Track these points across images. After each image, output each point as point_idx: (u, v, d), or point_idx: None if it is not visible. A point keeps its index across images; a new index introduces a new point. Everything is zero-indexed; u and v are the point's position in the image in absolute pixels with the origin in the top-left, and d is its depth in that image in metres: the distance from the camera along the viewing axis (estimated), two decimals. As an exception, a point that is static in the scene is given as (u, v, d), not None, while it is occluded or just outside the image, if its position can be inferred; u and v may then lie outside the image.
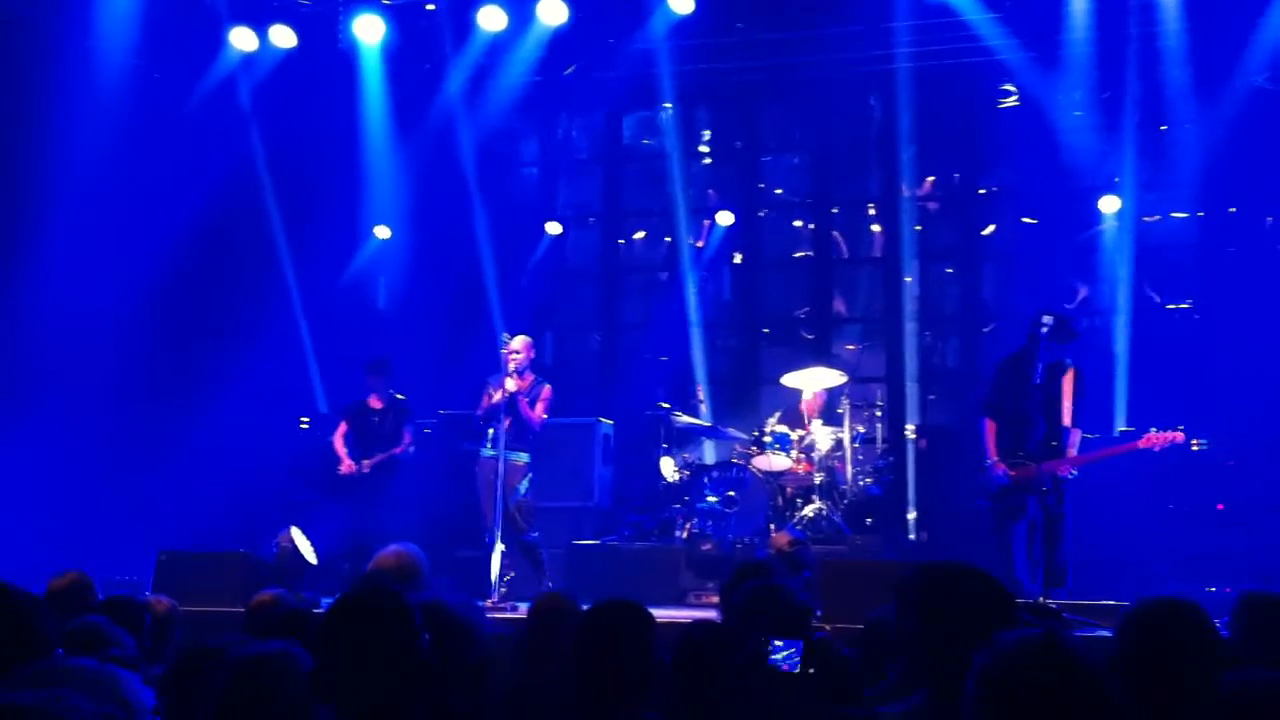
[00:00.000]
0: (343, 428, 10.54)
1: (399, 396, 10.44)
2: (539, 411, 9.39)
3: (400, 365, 11.06)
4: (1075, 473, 8.05)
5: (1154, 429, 7.95)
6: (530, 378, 9.39)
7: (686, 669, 3.66)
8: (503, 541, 8.88)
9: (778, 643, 3.58)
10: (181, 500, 10.75)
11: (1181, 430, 7.93)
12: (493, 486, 9.02)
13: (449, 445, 11.19)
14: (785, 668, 3.54)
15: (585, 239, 14.58)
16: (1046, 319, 7.88)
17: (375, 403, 10.49)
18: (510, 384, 9.16)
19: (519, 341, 9.32)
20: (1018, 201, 12.62)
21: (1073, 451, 8.08)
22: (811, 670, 3.53)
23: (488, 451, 9.35)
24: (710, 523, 10.21)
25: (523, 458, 9.35)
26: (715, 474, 10.49)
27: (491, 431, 9.29)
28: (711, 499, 10.28)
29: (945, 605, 3.04)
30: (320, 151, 13.03)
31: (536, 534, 9.34)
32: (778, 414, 10.89)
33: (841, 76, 12.62)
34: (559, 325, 14.42)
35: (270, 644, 3.04)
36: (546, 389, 9.51)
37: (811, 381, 10.97)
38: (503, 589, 8.66)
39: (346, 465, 10.33)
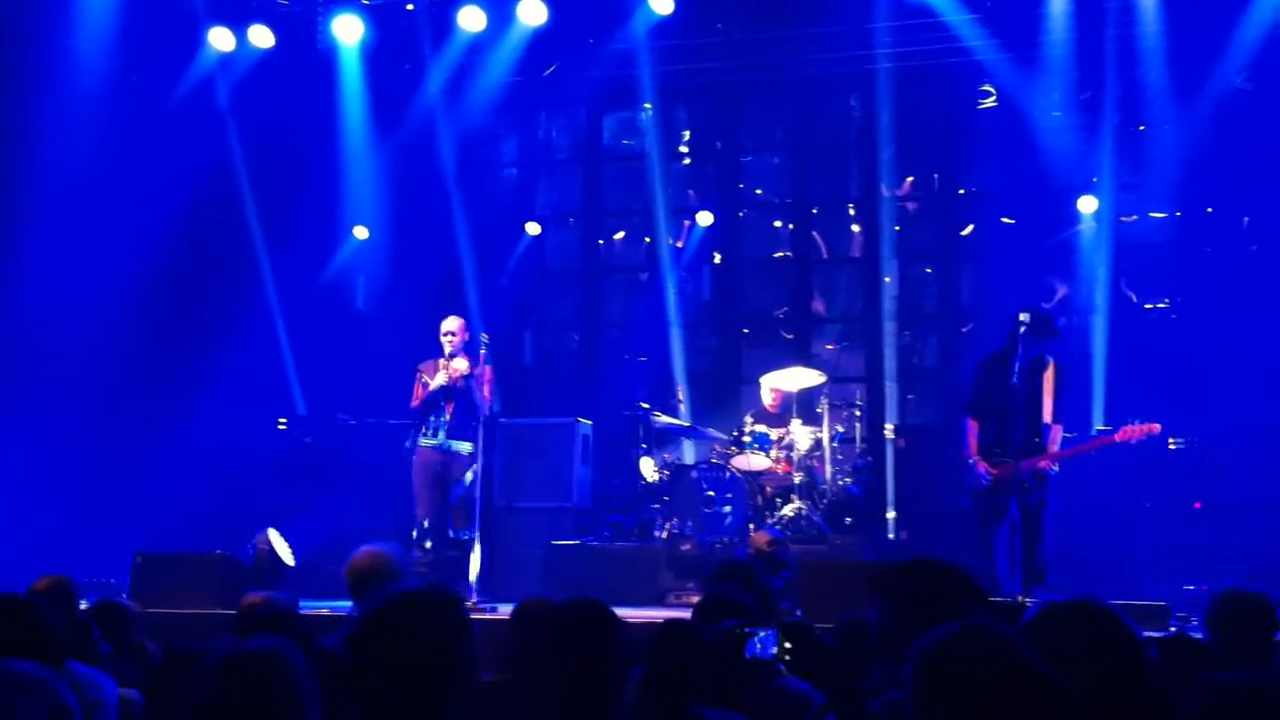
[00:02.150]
0: None
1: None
2: (487, 394, 9.04)
3: (378, 366, 10.94)
4: (1056, 468, 8.09)
5: (1131, 422, 8.00)
6: (469, 358, 8.89)
7: (660, 668, 3.63)
8: (432, 539, 8.67)
9: (752, 630, 3.58)
10: (159, 501, 10.69)
11: (1158, 423, 7.98)
12: (434, 478, 8.79)
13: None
14: (761, 654, 3.52)
15: (565, 239, 14.54)
16: (1025, 317, 7.94)
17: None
18: (461, 364, 8.83)
19: (453, 323, 9.02)
20: (996, 201, 12.61)
21: (1054, 448, 8.12)
22: (788, 655, 3.52)
23: (428, 440, 9.02)
24: (690, 523, 10.20)
25: (467, 447, 8.99)
26: (695, 474, 10.47)
27: (434, 419, 9.00)
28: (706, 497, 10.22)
29: (925, 600, 3.04)
30: (299, 152, 12.95)
31: (471, 535, 8.79)
32: (751, 414, 10.91)
33: (821, 77, 12.65)
34: (538, 325, 14.39)
35: (261, 640, 2.80)
36: (489, 370, 9.12)
37: (772, 383, 10.98)
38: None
39: None
